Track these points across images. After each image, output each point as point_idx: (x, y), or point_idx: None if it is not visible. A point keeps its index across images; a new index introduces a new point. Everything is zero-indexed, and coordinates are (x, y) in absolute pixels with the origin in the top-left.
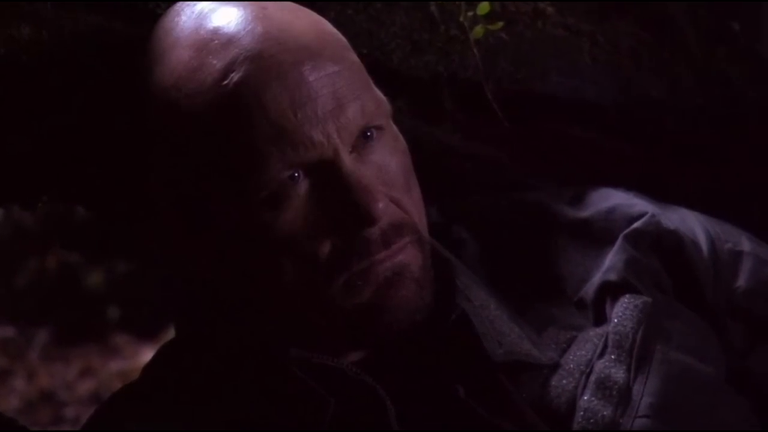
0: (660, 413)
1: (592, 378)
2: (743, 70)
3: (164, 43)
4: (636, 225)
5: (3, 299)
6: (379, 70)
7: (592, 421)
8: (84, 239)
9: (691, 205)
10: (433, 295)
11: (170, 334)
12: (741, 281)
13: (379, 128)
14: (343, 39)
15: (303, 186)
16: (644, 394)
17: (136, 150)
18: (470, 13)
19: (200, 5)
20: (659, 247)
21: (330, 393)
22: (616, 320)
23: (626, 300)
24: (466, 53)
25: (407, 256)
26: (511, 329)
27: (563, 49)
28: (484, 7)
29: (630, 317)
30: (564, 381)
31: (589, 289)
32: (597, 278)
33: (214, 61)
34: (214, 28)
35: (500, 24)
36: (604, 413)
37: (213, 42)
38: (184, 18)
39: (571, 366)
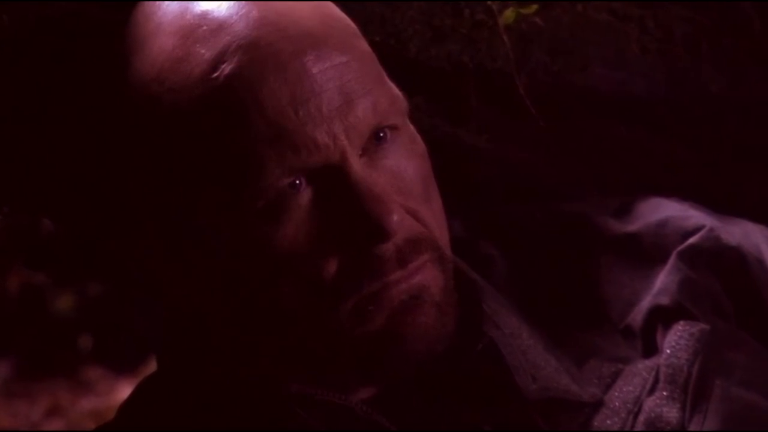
0: None
1: (641, 418)
2: None
3: (144, 29)
4: (692, 240)
5: None
6: (394, 61)
7: None
8: (51, 257)
9: (756, 218)
10: (456, 322)
11: (151, 367)
12: None
13: (393, 128)
14: (352, 25)
15: (305, 195)
16: None
17: (112, 153)
18: None
19: None
20: (719, 266)
21: None
22: (668, 351)
23: (680, 327)
24: (495, 41)
25: (426, 276)
26: (547, 361)
27: (607, 37)
28: None
29: (685, 347)
30: (608, 421)
31: (638, 314)
32: (646, 302)
33: (202, 51)
34: (203, 12)
35: (534, 7)
36: None
37: (201, 28)
38: (167, 1)
39: (617, 404)
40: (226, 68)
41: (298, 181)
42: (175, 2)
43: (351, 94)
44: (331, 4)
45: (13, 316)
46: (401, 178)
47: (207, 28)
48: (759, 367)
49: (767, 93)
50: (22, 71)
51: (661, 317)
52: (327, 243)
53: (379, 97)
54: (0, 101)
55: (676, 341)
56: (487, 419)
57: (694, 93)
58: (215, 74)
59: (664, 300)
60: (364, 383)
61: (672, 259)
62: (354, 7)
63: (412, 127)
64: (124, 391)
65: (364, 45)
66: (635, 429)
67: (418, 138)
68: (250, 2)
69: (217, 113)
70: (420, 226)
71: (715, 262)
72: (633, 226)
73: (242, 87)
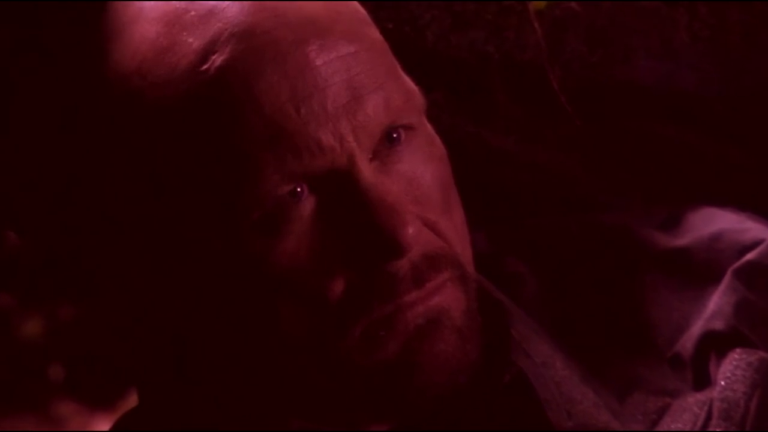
0: None
1: None
2: None
3: (124, 15)
4: (749, 256)
5: None
6: (409, 52)
7: None
8: (17, 275)
9: None
10: (479, 350)
11: (131, 401)
12: None
13: (408, 128)
14: (362, 10)
15: (307, 204)
16: None
17: (87, 157)
18: None
19: None
20: None
21: None
22: (723, 383)
23: (737, 356)
24: (525, 29)
25: (446, 297)
26: (584, 395)
27: (653, 23)
28: None
29: (742, 379)
30: None
31: (688, 341)
32: (698, 327)
33: (190, 39)
34: None
35: None
36: None
37: (188, 14)
38: None
39: None
40: (217, 59)
41: (299, 189)
42: None
43: (360, 89)
44: None
45: None
46: (417, 185)
47: (195, 13)
48: None
49: None
50: None
51: (715, 344)
52: (332, 259)
53: (392, 93)
54: None
55: (732, 372)
56: None
57: (752, 87)
58: (204, 66)
59: (718, 324)
60: (374, 419)
61: (727, 278)
62: None
63: (429, 126)
64: (100, 428)
65: (375, 33)
66: None
67: (437, 139)
68: None
69: (207, 111)
70: (439, 241)
71: None
72: (682, 240)
73: (235, 81)
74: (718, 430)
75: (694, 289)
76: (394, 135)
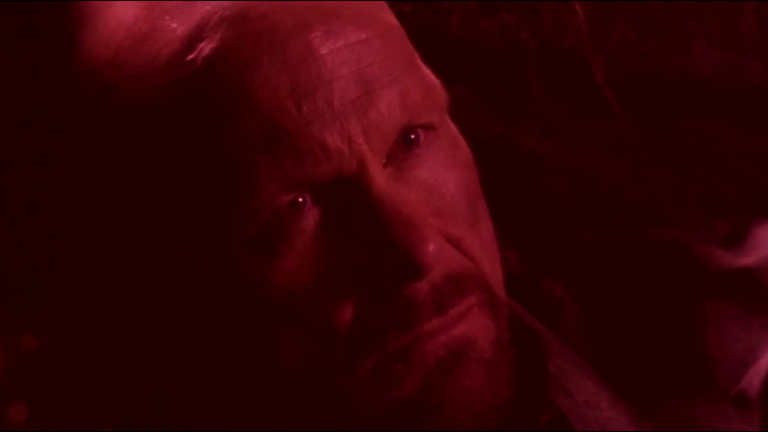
0: None
1: None
2: None
3: None
4: None
5: None
6: (430, 39)
7: None
8: None
9: None
10: (512, 387)
11: None
12: None
13: (428, 128)
14: None
15: (311, 217)
16: None
17: (54, 162)
18: None
19: None
20: None
21: None
22: None
23: None
24: (564, 12)
25: (472, 326)
26: None
27: (714, 6)
28: None
29: None
30: None
31: (754, 377)
32: (766, 360)
33: (174, 24)
34: None
35: None
36: None
37: None
38: None
39: None
40: (205, 48)
41: (301, 199)
42: None
43: (372, 83)
44: None
45: None
46: (439, 194)
47: None
48: None
49: None
50: None
51: None
52: (340, 281)
53: (410, 87)
54: None
55: None
56: None
57: None
58: (190, 56)
59: None
60: None
61: None
62: None
63: (453, 126)
64: None
65: (389, 17)
66: None
67: (462, 141)
68: None
69: (193, 108)
70: (464, 260)
71: None
72: (748, 258)
73: (226, 73)
74: None
75: (762, 317)
76: (412, 136)
